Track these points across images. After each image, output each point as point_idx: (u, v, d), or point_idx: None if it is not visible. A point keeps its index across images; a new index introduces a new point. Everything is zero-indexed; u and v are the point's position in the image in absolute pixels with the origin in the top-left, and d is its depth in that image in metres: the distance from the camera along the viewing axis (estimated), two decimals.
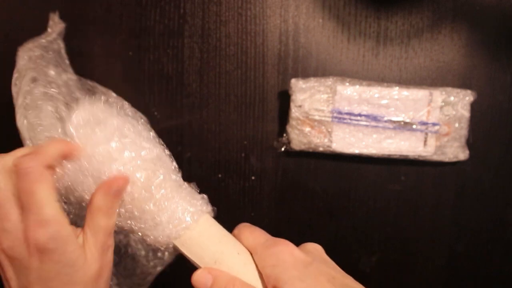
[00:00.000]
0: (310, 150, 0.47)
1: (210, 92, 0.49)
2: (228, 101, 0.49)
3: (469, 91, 0.47)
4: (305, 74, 0.48)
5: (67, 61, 0.40)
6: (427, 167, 0.49)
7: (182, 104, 0.49)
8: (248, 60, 0.48)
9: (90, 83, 0.39)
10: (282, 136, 0.47)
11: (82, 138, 0.32)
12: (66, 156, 0.31)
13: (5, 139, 0.49)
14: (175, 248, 0.32)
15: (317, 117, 0.46)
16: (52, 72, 0.37)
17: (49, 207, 0.29)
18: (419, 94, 0.46)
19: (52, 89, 0.36)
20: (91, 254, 0.30)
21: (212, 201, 0.49)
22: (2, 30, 0.48)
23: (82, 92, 0.37)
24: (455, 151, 0.47)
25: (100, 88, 0.39)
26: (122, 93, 0.49)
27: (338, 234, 0.50)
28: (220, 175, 0.49)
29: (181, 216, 0.32)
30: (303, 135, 0.46)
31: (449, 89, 0.47)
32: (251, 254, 0.31)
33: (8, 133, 0.50)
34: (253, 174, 0.49)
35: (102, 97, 0.35)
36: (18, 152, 0.31)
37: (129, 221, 0.32)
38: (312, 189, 0.49)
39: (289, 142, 0.47)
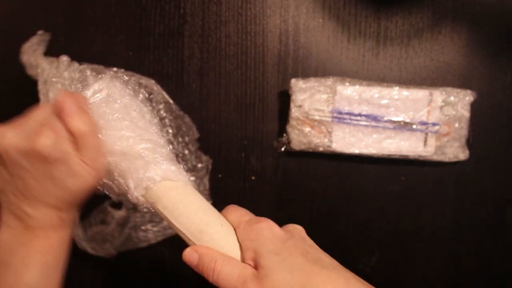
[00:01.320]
0: (310, 150, 0.47)
1: (210, 92, 0.49)
2: (228, 101, 0.49)
3: (469, 91, 0.47)
4: (305, 74, 0.48)
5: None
6: (427, 167, 0.49)
7: (182, 104, 0.49)
8: (248, 60, 0.48)
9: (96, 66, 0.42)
10: (282, 136, 0.47)
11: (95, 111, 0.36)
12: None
13: None
14: (160, 215, 0.35)
15: (317, 117, 0.46)
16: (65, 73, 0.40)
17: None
18: (419, 94, 0.46)
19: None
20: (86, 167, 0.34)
21: (212, 201, 0.49)
22: (2, 30, 0.48)
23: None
24: (455, 151, 0.47)
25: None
26: None
27: (338, 234, 0.50)
28: (220, 175, 0.49)
29: (156, 174, 0.35)
30: (303, 135, 0.46)
31: (449, 89, 0.47)
32: (234, 229, 0.34)
33: None
34: (253, 174, 0.49)
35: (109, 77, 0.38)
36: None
37: (111, 180, 0.36)
38: (312, 189, 0.49)
39: (289, 142, 0.47)
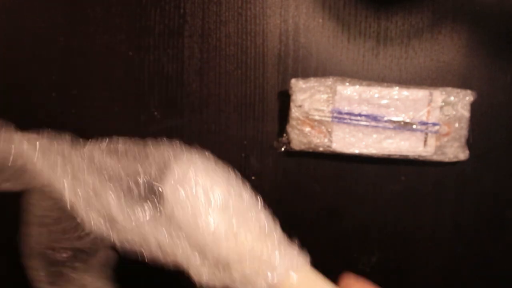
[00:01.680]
0: (310, 150, 0.47)
1: (210, 92, 0.49)
2: (228, 101, 0.49)
3: (469, 91, 0.47)
4: (305, 74, 0.48)
5: None
6: (427, 167, 0.49)
7: (182, 104, 0.49)
8: (248, 60, 0.48)
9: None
10: (282, 136, 0.47)
11: (177, 204, 0.31)
12: None
13: None
14: None
15: (317, 117, 0.46)
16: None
17: None
18: (419, 94, 0.46)
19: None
20: None
21: None
22: (1, 30, 0.48)
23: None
24: (455, 151, 0.47)
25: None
26: (123, 93, 0.49)
27: (338, 234, 0.50)
28: None
29: (278, 268, 0.31)
30: (303, 135, 0.46)
31: (449, 89, 0.47)
32: None
33: None
34: (253, 174, 0.49)
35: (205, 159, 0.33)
36: None
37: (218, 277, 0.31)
38: (312, 189, 0.49)
39: (289, 142, 0.47)
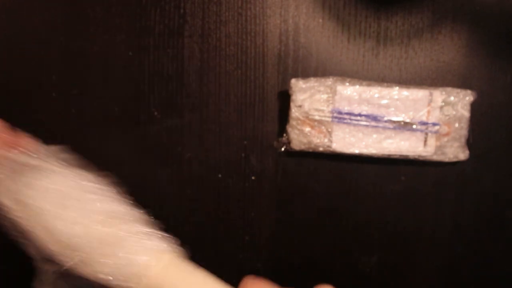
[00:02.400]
0: (310, 150, 0.47)
1: (210, 92, 0.49)
2: (228, 101, 0.49)
3: (469, 91, 0.47)
4: (305, 74, 0.48)
5: None
6: (427, 167, 0.49)
7: (182, 104, 0.49)
8: (248, 60, 0.48)
9: None
10: (282, 136, 0.47)
11: None
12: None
13: None
14: None
15: (317, 117, 0.46)
16: None
17: None
18: (419, 94, 0.46)
19: None
20: None
21: (212, 201, 0.49)
22: (1, 30, 0.48)
23: None
24: (455, 151, 0.47)
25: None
26: (123, 93, 0.49)
27: (338, 234, 0.50)
28: (220, 175, 0.49)
29: (143, 256, 0.31)
30: (303, 135, 0.46)
31: (449, 89, 0.47)
32: None
33: None
34: (253, 174, 0.49)
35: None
36: None
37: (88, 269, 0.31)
38: (312, 189, 0.49)
39: (289, 142, 0.47)
